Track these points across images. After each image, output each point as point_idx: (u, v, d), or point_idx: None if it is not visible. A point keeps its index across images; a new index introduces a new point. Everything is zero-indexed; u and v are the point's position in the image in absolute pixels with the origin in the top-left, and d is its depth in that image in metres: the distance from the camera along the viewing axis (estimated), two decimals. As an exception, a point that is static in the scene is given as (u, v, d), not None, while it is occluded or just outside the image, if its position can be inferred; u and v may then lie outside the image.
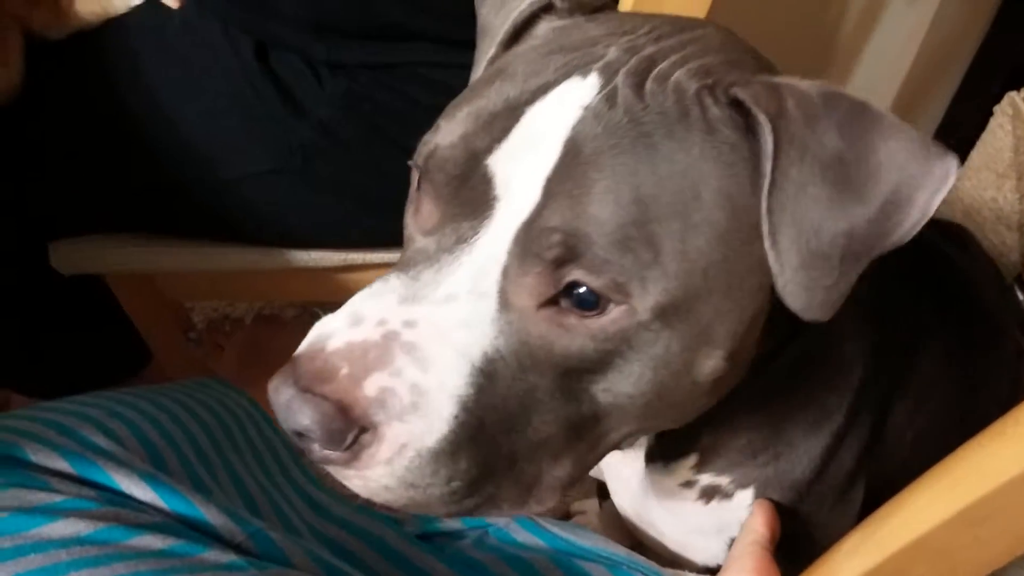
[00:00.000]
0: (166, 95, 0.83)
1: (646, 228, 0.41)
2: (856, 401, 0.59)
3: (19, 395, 1.17)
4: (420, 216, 0.47)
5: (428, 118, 0.83)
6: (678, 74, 0.44)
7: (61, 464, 0.55)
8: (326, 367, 0.41)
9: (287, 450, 0.76)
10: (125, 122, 0.83)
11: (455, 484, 0.43)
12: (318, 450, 0.42)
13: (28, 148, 0.85)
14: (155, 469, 0.59)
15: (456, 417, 0.41)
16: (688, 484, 0.61)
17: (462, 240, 0.43)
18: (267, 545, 0.57)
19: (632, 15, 0.52)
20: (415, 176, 0.48)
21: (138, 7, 0.85)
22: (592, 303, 0.42)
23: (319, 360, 0.41)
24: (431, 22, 0.80)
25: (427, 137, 0.47)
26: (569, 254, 0.41)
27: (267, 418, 0.77)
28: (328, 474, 0.45)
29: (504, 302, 0.43)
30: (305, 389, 0.40)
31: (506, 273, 0.42)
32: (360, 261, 0.95)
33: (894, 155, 0.42)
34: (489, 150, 0.43)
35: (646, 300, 0.41)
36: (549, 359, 0.43)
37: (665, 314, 0.42)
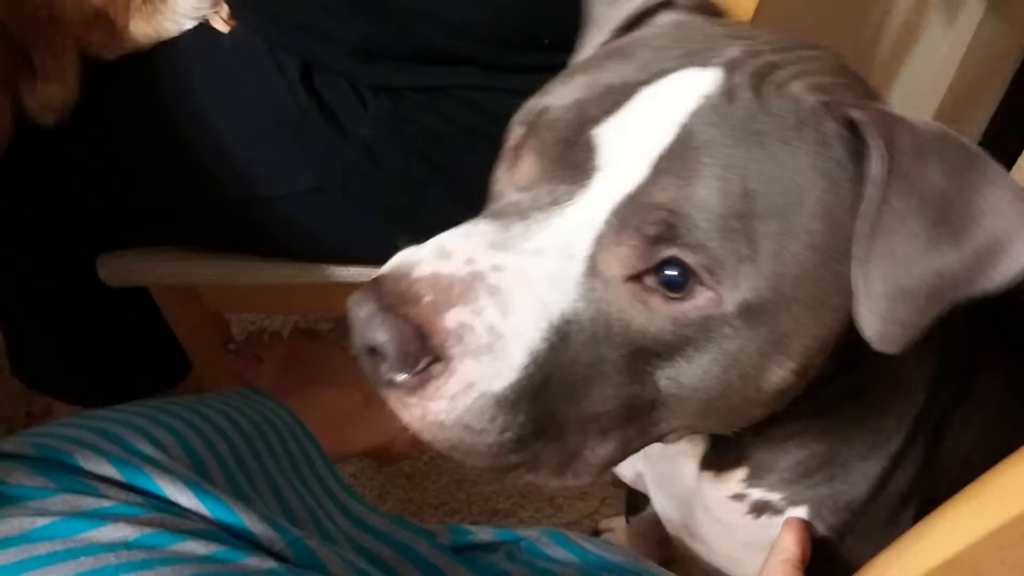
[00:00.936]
0: (213, 114, 0.86)
1: (748, 223, 0.42)
2: (915, 426, 0.59)
3: (61, 403, 1.21)
4: (517, 172, 0.48)
5: (469, 140, 0.85)
6: (796, 85, 0.45)
7: (109, 471, 0.57)
8: (410, 291, 0.42)
9: (323, 460, 0.78)
10: (173, 140, 0.86)
11: (507, 436, 0.43)
12: (385, 372, 0.42)
13: (79, 164, 0.88)
14: (198, 477, 0.61)
15: (525, 368, 0.42)
16: (738, 497, 0.62)
17: (556, 203, 0.44)
18: (305, 553, 0.59)
19: (750, 26, 0.53)
20: (516, 133, 0.49)
21: (189, 30, 0.88)
22: (679, 285, 0.42)
23: (404, 283, 0.42)
24: (475, 48, 0.82)
25: (534, 99, 0.49)
26: (669, 232, 0.42)
27: (305, 430, 0.79)
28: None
29: (592, 268, 0.43)
30: (388, 308, 0.41)
31: (600, 241, 0.43)
32: (397, 276, 0.96)
33: (997, 203, 0.42)
34: (598, 120, 0.44)
35: (735, 294, 0.42)
36: (624, 334, 0.44)
37: (749, 313, 0.43)
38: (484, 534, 0.73)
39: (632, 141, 0.43)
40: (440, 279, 0.42)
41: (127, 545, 0.51)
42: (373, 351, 0.42)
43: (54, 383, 1.16)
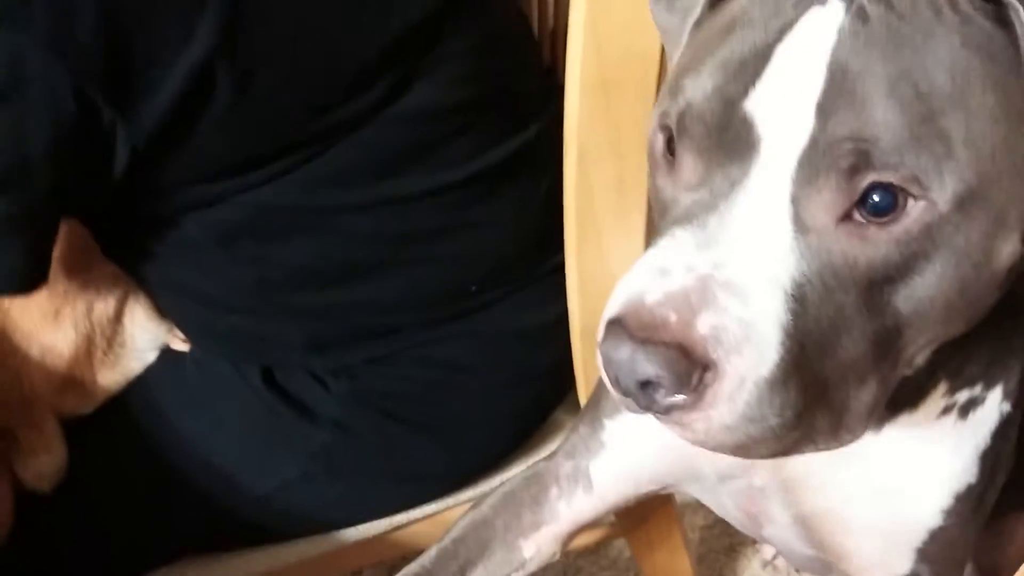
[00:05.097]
0: (193, 435, 0.90)
1: (933, 123, 0.42)
2: None
3: None
4: (680, 175, 0.49)
5: (432, 391, 0.90)
6: None
7: None
8: (654, 318, 0.43)
9: None
10: (161, 466, 0.90)
11: (787, 414, 0.44)
12: (661, 400, 0.44)
13: (83, 515, 0.92)
14: None
15: (782, 344, 0.43)
16: (947, 410, 0.61)
17: (735, 183, 0.45)
18: None
19: None
20: (660, 139, 0.50)
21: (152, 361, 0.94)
22: (888, 208, 0.43)
23: (644, 313, 0.43)
24: (411, 316, 0.88)
25: (667, 101, 0.49)
26: (863, 160, 0.42)
27: None
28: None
29: (800, 226, 0.44)
30: (644, 341, 0.42)
31: (796, 199, 0.44)
32: (405, 520, 0.99)
33: None
34: (744, 95, 0.45)
35: (945, 191, 0.43)
36: (853, 275, 0.44)
37: (963, 204, 0.43)
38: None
39: (786, 98, 0.44)
40: (674, 296, 0.43)
41: None
42: (645, 385, 0.43)
43: None
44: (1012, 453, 0.66)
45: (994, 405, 0.63)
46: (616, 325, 0.44)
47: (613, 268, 0.80)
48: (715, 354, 0.42)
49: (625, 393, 0.45)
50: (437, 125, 0.81)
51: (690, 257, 0.44)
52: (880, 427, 0.62)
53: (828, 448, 0.48)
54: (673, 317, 0.43)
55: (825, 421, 0.47)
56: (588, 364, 0.85)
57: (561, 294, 0.87)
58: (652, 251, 0.46)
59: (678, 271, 0.44)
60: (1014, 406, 0.64)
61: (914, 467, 0.64)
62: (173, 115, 0.69)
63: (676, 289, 0.43)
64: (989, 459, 0.63)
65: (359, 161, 0.79)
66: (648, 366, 0.42)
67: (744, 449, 0.46)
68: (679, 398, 0.43)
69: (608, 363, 0.45)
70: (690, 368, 0.42)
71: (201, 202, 0.79)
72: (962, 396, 0.62)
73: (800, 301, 0.43)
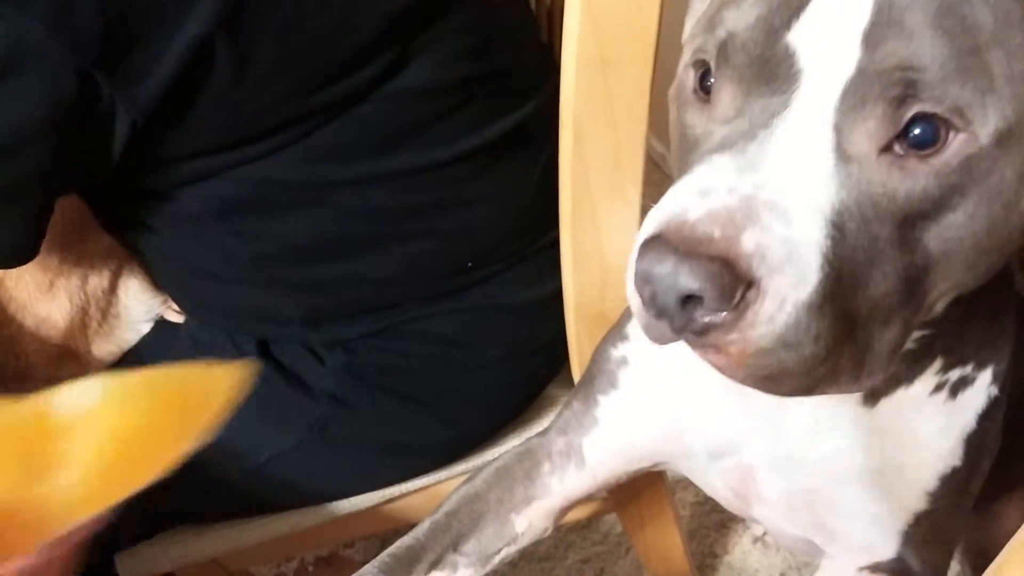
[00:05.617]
0: (187, 406, 0.91)
1: (978, 56, 0.43)
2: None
3: None
4: (716, 107, 0.49)
5: (426, 365, 0.91)
6: None
7: None
8: (696, 234, 0.42)
9: None
10: (158, 439, 0.91)
11: (820, 343, 0.44)
12: (700, 317, 0.43)
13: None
14: None
15: (822, 268, 0.43)
16: (938, 388, 0.62)
17: (775, 114, 0.45)
18: None
19: None
20: (691, 76, 0.51)
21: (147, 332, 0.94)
22: (929, 141, 0.44)
23: (686, 229, 0.43)
24: (407, 291, 0.88)
25: (706, 35, 0.49)
26: (910, 89, 0.43)
27: None
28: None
29: (841, 155, 0.44)
30: (687, 254, 0.42)
31: (838, 127, 0.44)
32: (398, 493, 1.00)
33: None
34: (787, 26, 0.45)
35: (987, 125, 0.43)
36: (891, 206, 0.45)
37: (1002, 139, 0.44)
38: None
39: (831, 28, 0.44)
40: (718, 214, 0.43)
41: None
42: (687, 300, 0.43)
43: None
44: (998, 439, 0.67)
45: (983, 387, 0.63)
46: (657, 241, 0.44)
47: (608, 243, 0.80)
48: (759, 271, 0.42)
49: (660, 314, 0.45)
50: (435, 101, 0.81)
51: (731, 179, 0.44)
52: (876, 402, 0.63)
53: (849, 391, 0.48)
54: (717, 233, 0.42)
55: (850, 361, 0.47)
56: (582, 339, 0.85)
57: (557, 270, 0.87)
58: (689, 176, 0.45)
59: (720, 191, 0.43)
60: (1001, 389, 0.64)
61: (901, 447, 0.64)
62: (172, 92, 0.69)
63: (719, 207, 0.43)
64: (975, 442, 0.64)
65: (357, 136, 0.79)
66: (692, 279, 0.42)
67: (772, 380, 0.45)
68: (719, 316, 0.43)
69: (646, 280, 0.44)
70: (734, 283, 0.42)
71: (199, 176, 0.79)
72: (954, 374, 0.62)
73: (839, 229, 0.44)
